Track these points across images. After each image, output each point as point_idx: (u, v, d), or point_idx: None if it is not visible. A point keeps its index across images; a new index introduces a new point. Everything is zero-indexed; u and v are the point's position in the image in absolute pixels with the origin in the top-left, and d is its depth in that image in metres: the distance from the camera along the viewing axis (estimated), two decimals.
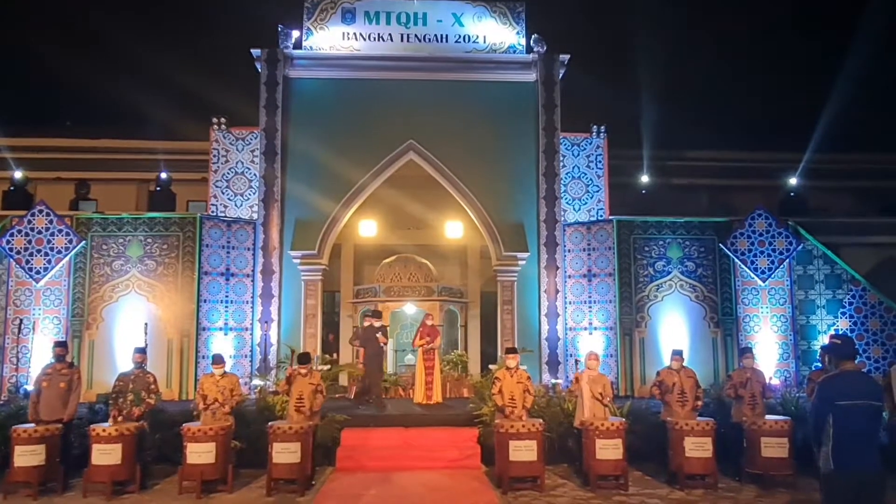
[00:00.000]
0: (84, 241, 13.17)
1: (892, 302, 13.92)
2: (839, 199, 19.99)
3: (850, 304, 14.03)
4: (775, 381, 12.97)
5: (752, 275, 13.80)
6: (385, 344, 12.44)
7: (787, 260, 13.91)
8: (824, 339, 13.81)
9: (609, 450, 8.75)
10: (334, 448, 10.00)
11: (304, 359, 9.61)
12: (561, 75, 15.00)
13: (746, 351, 10.15)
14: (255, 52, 14.71)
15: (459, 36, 15.20)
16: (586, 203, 15.37)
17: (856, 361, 5.40)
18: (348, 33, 15.09)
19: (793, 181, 19.70)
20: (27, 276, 12.93)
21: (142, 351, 9.60)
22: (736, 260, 13.88)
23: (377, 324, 12.15)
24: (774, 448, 8.94)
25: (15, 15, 25.79)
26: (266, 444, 8.79)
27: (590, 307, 14.31)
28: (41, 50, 23.60)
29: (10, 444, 8.53)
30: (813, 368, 12.16)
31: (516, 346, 13.02)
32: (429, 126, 14.63)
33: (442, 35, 15.20)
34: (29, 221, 13.02)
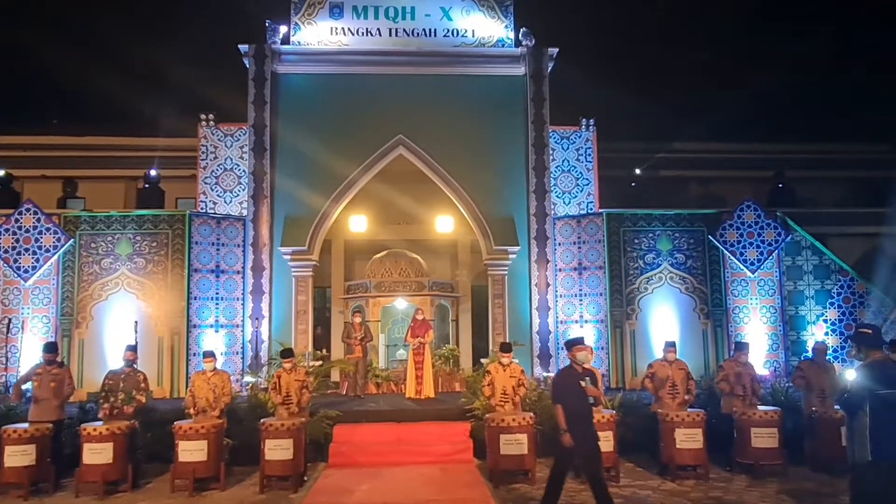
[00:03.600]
0: (72, 240, 13.09)
1: (880, 291, 14.03)
2: (827, 189, 20.11)
3: (839, 294, 14.13)
4: (765, 372, 13.06)
5: (742, 266, 13.87)
6: (597, 398, 7.77)
7: (776, 251, 13.99)
8: (813, 330, 13.94)
9: (600, 442, 8.77)
10: (326, 444, 10.00)
11: (287, 353, 9.68)
12: (549, 69, 14.99)
13: (742, 346, 10.09)
14: (243, 47, 14.62)
15: (448, 30, 15.16)
16: (576, 196, 15.39)
17: (884, 350, 5.36)
18: (336, 28, 15.03)
19: (781, 172, 19.82)
20: (15, 276, 12.85)
21: (133, 349, 9.56)
22: (725, 251, 13.95)
23: (581, 360, 7.36)
24: (764, 438, 9.01)
25: None
26: (258, 441, 8.77)
27: (580, 300, 14.35)
28: (27, 46, 23.42)
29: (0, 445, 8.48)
30: (802, 358, 12.24)
31: (507, 339, 13.05)
32: (418, 121, 14.60)
33: (430, 29, 15.15)
34: (16, 220, 12.93)
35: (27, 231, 12.88)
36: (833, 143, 20.34)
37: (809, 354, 11.17)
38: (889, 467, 4.94)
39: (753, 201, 14.29)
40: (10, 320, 12.62)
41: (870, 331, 5.44)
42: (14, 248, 12.80)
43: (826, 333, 13.88)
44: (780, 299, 14.12)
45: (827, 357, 10.58)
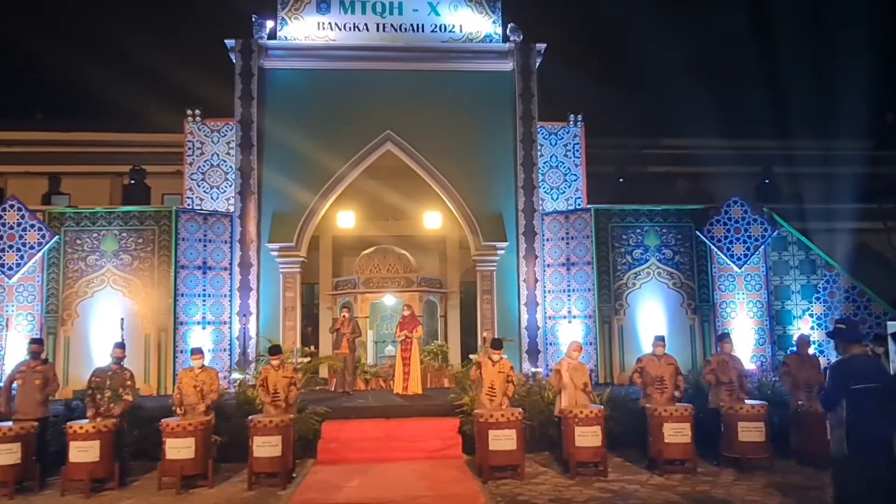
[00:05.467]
0: (57, 237, 12.97)
1: (865, 286, 14.15)
2: (813, 185, 20.21)
3: (825, 289, 14.23)
4: (752, 366, 13.15)
5: (729, 261, 13.94)
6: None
7: (763, 246, 14.06)
8: (800, 325, 14.04)
9: (588, 437, 8.81)
10: (315, 441, 9.98)
11: (275, 350, 9.62)
12: (537, 64, 14.99)
13: (725, 337, 10.25)
14: (229, 42, 14.52)
15: (435, 25, 15.12)
16: (564, 192, 15.40)
17: (863, 344, 5.38)
18: (323, 23, 14.95)
19: (768, 168, 19.93)
20: None
21: (121, 346, 9.43)
22: (712, 247, 14.01)
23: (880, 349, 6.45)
24: (751, 432, 9.07)
25: None
26: (246, 438, 8.74)
27: (569, 296, 14.38)
28: (10, 39, 23.14)
29: None
30: (788, 353, 12.33)
31: (496, 335, 13.06)
32: (406, 116, 14.56)
33: (418, 24, 15.11)
34: (0, 216, 12.79)
35: (11, 228, 12.73)
36: (819, 140, 20.45)
37: (795, 349, 11.26)
38: (865, 462, 4.96)
39: (740, 197, 14.35)
40: None
41: (845, 325, 5.47)
42: None
43: (812, 328, 13.98)
44: (767, 294, 14.21)
45: (811, 349, 10.67)
